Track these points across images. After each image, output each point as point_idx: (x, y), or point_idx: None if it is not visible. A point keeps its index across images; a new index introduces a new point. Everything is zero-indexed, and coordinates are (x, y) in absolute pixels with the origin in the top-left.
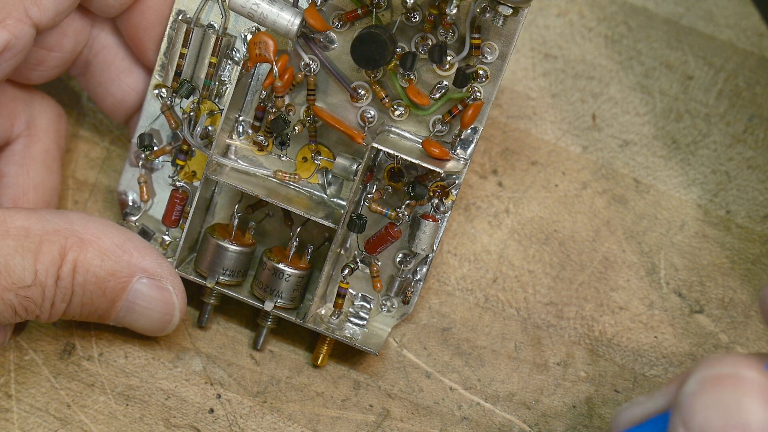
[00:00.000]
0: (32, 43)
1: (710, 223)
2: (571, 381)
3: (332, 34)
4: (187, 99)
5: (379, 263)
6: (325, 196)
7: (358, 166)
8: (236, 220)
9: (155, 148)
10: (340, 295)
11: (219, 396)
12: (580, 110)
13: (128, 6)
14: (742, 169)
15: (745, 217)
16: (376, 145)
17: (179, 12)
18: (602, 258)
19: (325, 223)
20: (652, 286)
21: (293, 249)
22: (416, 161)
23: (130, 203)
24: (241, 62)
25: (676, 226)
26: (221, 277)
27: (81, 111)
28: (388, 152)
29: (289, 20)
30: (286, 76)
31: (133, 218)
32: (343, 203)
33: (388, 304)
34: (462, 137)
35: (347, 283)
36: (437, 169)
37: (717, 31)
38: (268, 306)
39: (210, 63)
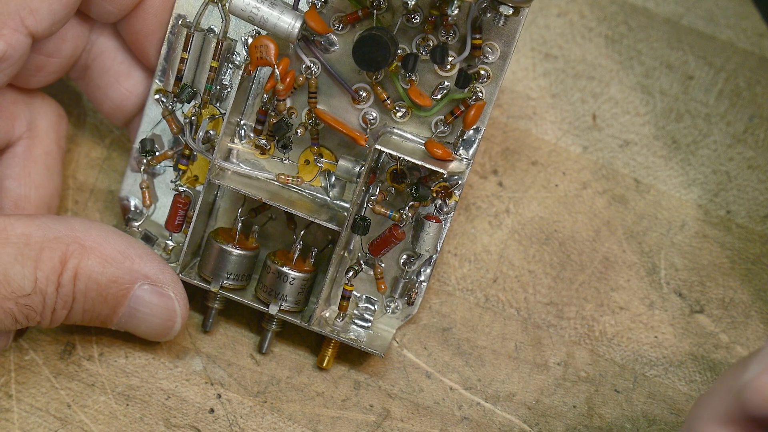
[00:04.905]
0: (29, 52)
1: (710, 223)
2: (571, 381)
3: (333, 37)
4: (189, 103)
5: (383, 265)
6: (327, 198)
7: (360, 168)
8: (240, 224)
9: (157, 153)
10: (345, 297)
11: (219, 396)
12: (581, 110)
13: (128, 12)
14: (743, 169)
15: (745, 217)
16: (378, 146)
17: (179, 17)
18: (602, 258)
19: (329, 225)
20: (653, 286)
21: (297, 252)
22: (419, 162)
23: (132, 209)
24: (243, 66)
25: (677, 226)
26: (225, 282)
27: (81, 111)
28: (391, 154)
29: (289, 23)
30: (288, 80)
31: (136, 224)
32: (346, 206)
33: (393, 305)
34: (464, 138)
35: (351, 285)
36: (440, 170)
37: (717, 31)
38: (273, 309)
39: (211, 67)
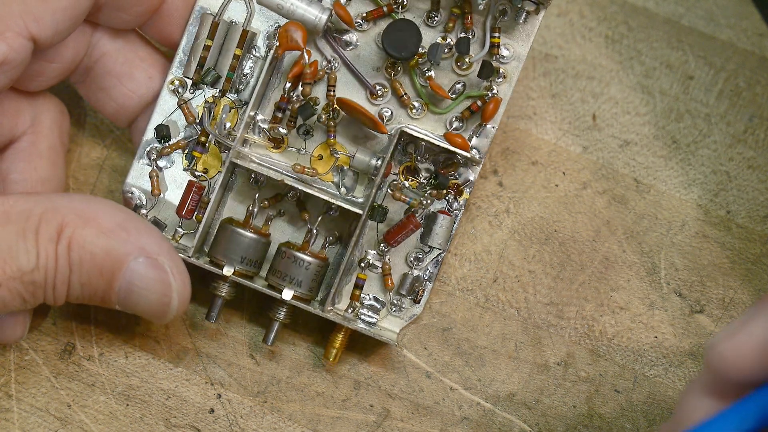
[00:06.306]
0: (30, 57)
1: (710, 223)
2: (571, 381)
3: (353, 37)
4: (212, 87)
5: (390, 262)
6: (338, 194)
7: (377, 161)
8: (257, 208)
9: (170, 142)
10: (358, 285)
11: (219, 396)
12: (581, 110)
13: (145, 20)
14: (743, 169)
15: (745, 217)
16: (404, 128)
17: (202, 9)
18: (602, 258)
19: (350, 208)
20: (653, 286)
21: (313, 240)
22: (444, 144)
23: (137, 201)
24: (273, 48)
25: (677, 226)
26: (238, 266)
27: (81, 111)
28: (416, 136)
29: (316, 15)
30: (313, 67)
31: (144, 211)
32: (358, 201)
33: (399, 303)
34: (479, 135)
35: (365, 275)
36: (464, 153)
37: (717, 31)
38: (287, 294)
39: (234, 55)
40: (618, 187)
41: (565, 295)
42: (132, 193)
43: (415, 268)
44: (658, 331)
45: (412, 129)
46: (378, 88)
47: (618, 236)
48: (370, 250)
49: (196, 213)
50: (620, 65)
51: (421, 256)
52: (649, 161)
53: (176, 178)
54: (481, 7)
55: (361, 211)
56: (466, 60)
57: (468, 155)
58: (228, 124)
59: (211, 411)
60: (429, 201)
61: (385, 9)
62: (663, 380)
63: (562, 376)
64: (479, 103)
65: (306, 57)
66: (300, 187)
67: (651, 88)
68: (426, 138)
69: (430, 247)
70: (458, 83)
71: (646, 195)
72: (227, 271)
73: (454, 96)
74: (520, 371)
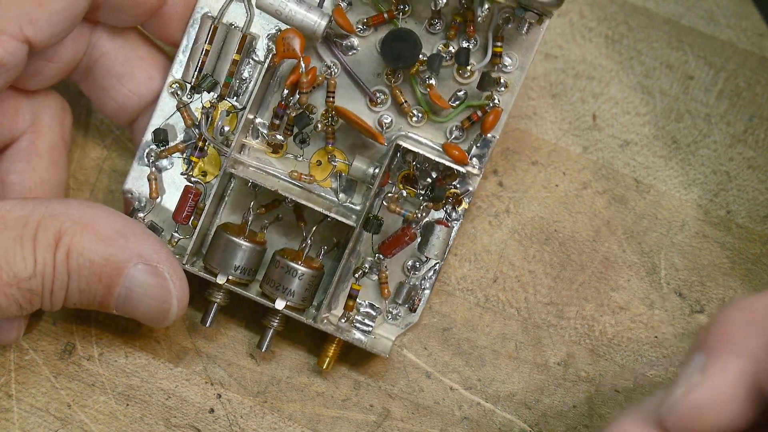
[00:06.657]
0: (26, 59)
1: (710, 223)
2: (571, 381)
3: (353, 41)
4: (209, 93)
5: (387, 270)
6: (336, 200)
7: (374, 170)
8: (251, 216)
9: (169, 145)
10: (352, 296)
11: (219, 396)
12: (581, 110)
13: (145, 19)
14: (743, 169)
15: (745, 217)
16: (400, 142)
17: (202, 11)
18: (602, 258)
19: (344, 220)
20: (653, 286)
21: (308, 249)
22: (439, 159)
23: (136, 203)
24: (269, 57)
25: (677, 226)
26: (232, 275)
27: (81, 111)
28: (410, 150)
29: (315, 21)
30: (310, 75)
31: (141, 215)
32: (355, 208)
33: (395, 312)
34: (478, 145)
35: (359, 285)
36: (459, 168)
37: (717, 31)
38: (279, 305)
39: (233, 60)
40: (618, 187)
41: (565, 295)
42: (131, 195)
43: (412, 277)
44: (658, 331)
45: (407, 141)
46: (378, 95)
47: (618, 236)
48: (367, 257)
49: (192, 218)
50: (620, 65)
51: (418, 265)
52: (649, 161)
53: (175, 181)
54: (480, 20)
55: (354, 224)
56: (468, 68)
57: (463, 170)
58: (227, 128)
59: (211, 411)
60: (424, 214)
61: (386, 15)
62: (663, 380)
63: (562, 376)
64: (479, 113)
65: (302, 66)
66: (294, 198)
67: (651, 88)
68: (421, 153)
69: (426, 257)
70: (459, 91)
71: (646, 195)
72: (220, 279)
73: (454, 104)
74: (520, 371)
